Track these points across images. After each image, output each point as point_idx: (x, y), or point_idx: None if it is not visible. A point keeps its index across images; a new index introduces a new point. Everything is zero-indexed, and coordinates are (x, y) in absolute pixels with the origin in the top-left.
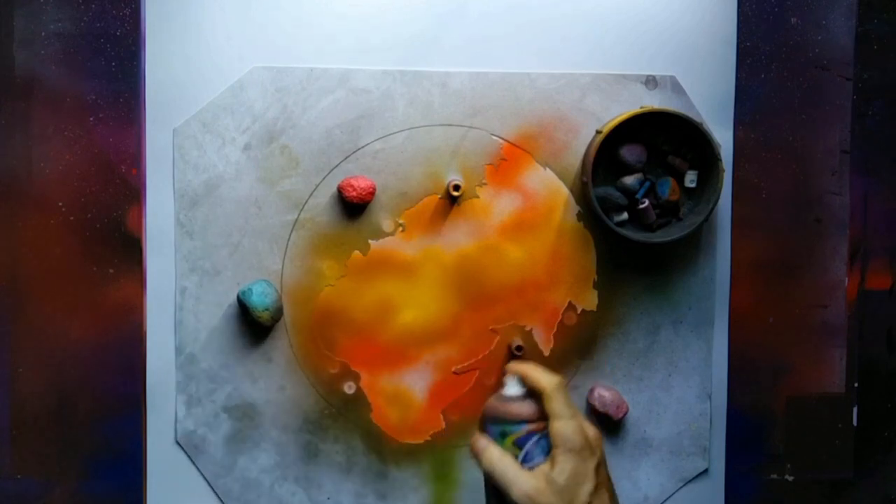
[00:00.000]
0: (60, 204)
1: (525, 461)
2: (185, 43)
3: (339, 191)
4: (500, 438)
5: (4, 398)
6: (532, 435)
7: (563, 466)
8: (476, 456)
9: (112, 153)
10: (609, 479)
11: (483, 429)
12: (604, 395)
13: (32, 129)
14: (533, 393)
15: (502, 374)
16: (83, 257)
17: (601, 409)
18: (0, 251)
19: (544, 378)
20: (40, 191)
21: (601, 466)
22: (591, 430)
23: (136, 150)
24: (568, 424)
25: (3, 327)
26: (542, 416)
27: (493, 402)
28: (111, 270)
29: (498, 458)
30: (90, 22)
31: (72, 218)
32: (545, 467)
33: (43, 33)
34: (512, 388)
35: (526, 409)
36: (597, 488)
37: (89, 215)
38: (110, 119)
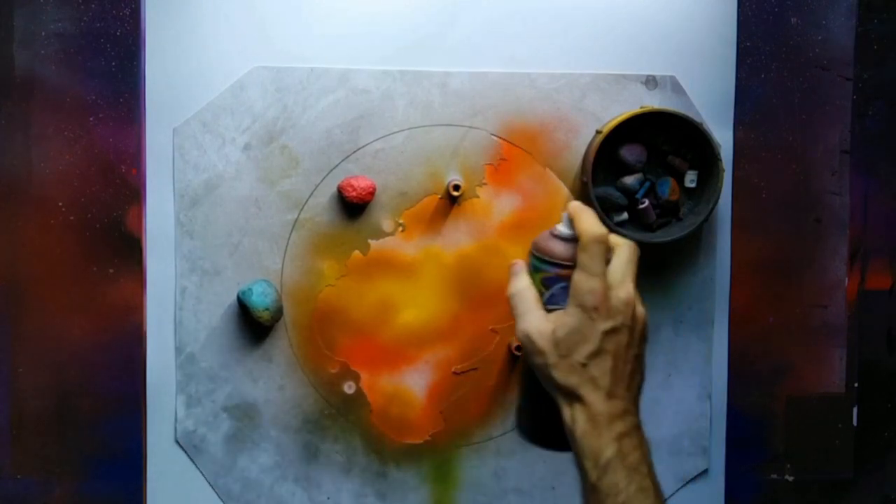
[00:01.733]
0: (60, 204)
1: (548, 302)
2: (185, 43)
3: (339, 191)
4: (534, 271)
5: (4, 398)
6: (560, 279)
7: (567, 320)
8: (509, 277)
9: (112, 153)
10: (632, 357)
11: (529, 255)
12: None
13: (32, 129)
14: None
15: (563, 209)
16: (83, 257)
17: None
18: (0, 251)
19: (586, 225)
20: (40, 191)
21: (616, 335)
22: (621, 296)
23: (136, 150)
24: (587, 280)
25: (3, 327)
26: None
27: (544, 234)
28: (111, 270)
29: (521, 287)
30: (90, 22)
31: (72, 218)
32: (556, 315)
33: (43, 33)
34: (564, 226)
35: (564, 251)
36: (598, 353)
37: (89, 215)
38: (110, 119)
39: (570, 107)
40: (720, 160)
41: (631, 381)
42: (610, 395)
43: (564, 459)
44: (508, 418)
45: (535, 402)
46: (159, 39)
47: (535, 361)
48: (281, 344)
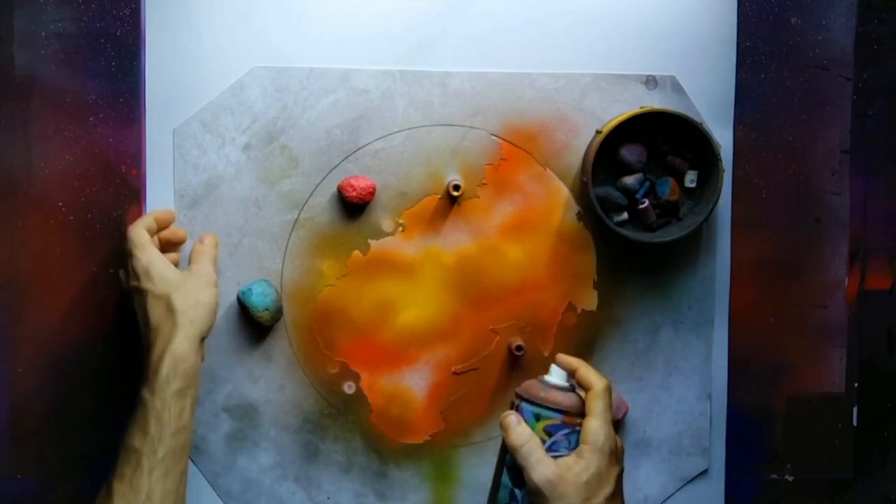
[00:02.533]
0: (60, 204)
1: (550, 449)
2: (185, 43)
3: (339, 191)
4: (533, 420)
5: (4, 398)
6: (565, 426)
7: (589, 465)
8: (504, 429)
9: (112, 153)
10: (623, 494)
11: (516, 406)
12: None
13: (32, 129)
14: (574, 388)
15: (552, 361)
16: (83, 257)
17: None
18: (0, 251)
19: (595, 377)
20: (40, 191)
21: (621, 478)
22: (619, 442)
23: (136, 150)
24: (604, 427)
25: (3, 327)
26: (580, 413)
27: (534, 384)
28: (111, 270)
29: (527, 437)
30: (90, 22)
31: (72, 218)
32: (570, 460)
33: (43, 33)
34: (557, 377)
35: (568, 400)
36: (613, 496)
37: (89, 215)
38: (110, 119)
39: (570, 107)
40: (720, 160)
41: None
42: None
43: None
44: None
45: None
46: (159, 39)
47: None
48: (281, 344)
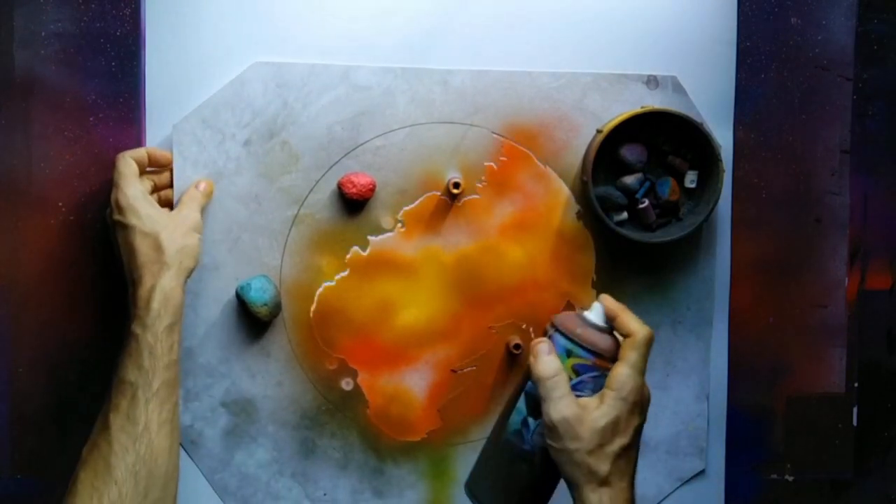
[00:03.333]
0: (60, 204)
1: (575, 388)
2: (185, 40)
3: (339, 187)
4: (564, 355)
5: (4, 398)
6: (595, 369)
7: (610, 410)
8: (534, 356)
9: (112, 153)
10: (638, 448)
11: (549, 335)
12: None
13: (32, 129)
14: (613, 331)
15: (596, 298)
16: (83, 257)
17: None
18: (0, 251)
19: (637, 325)
20: (40, 191)
21: (640, 431)
22: (647, 393)
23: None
24: (633, 375)
25: (3, 327)
26: (613, 358)
27: (572, 317)
28: (111, 270)
29: (554, 370)
30: (90, 22)
31: (72, 218)
32: (592, 402)
33: (43, 33)
34: (596, 317)
35: (604, 342)
36: (629, 448)
37: (89, 215)
38: (110, 119)
39: (570, 106)
40: (720, 160)
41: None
42: (630, 483)
43: None
44: None
45: (501, 472)
46: (159, 39)
47: (566, 445)
48: (279, 340)
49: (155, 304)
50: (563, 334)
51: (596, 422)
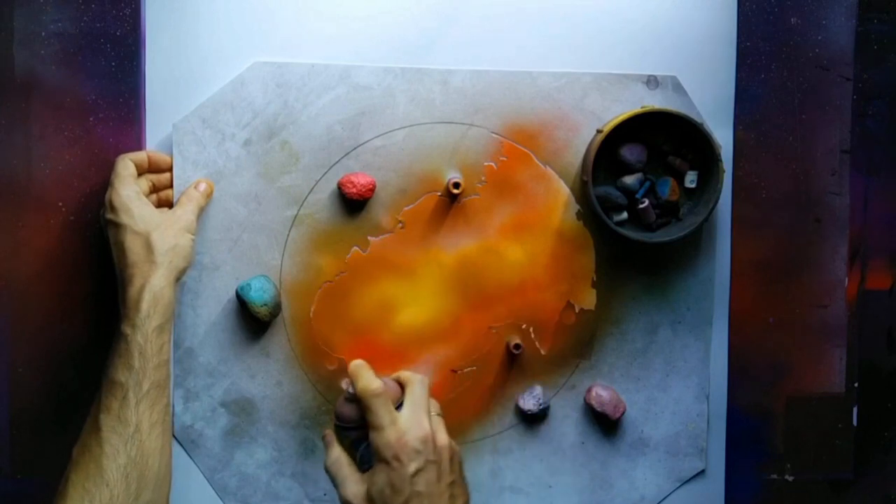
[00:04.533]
0: (60, 204)
1: (361, 463)
2: (185, 41)
3: (339, 187)
4: (342, 438)
5: (4, 398)
6: (363, 440)
7: (376, 479)
8: (325, 449)
9: (112, 153)
10: (446, 486)
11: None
12: (601, 394)
13: (32, 129)
14: None
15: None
16: (83, 257)
17: (599, 409)
18: (0, 251)
19: (362, 384)
20: (40, 191)
21: (424, 474)
22: (418, 436)
23: (136, 150)
24: (379, 434)
25: (3, 327)
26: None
27: (339, 399)
28: (111, 270)
29: (334, 458)
30: (90, 22)
31: (72, 218)
32: (370, 474)
33: (43, 33)
34: (349, 388)
35: (355, 413)
36: (413, 498)
37: (89, 215)
38: (110, 119)
39: (570, 106)
40: (720, 160)
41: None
42: None
43: (562, 458)
44: (506, 416)
45: None
46: (159, 39)
47: None
48: (279, 340)
49: (144, 304)
50: (333, 420)
51: (369, 492)
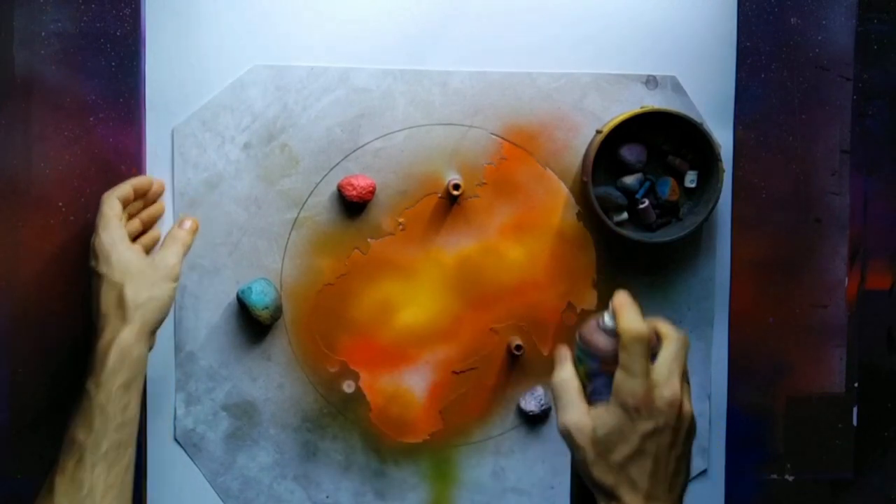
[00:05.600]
0: (60, 204)
1: (592, 395)
2: (185, 42)
3: (339, 189)
4: (579, 362)
5: (4, 398)
6: (604, 374)
7: (607, 419)
8: (554, 363)
9: (112, 153)
10: (675, 458)
11: (575, 345)
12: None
13: (32, 129)
14: None
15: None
16: (83, 257)
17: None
18: (0, 251)
19: (627, 323)
20: (40, 191)
21: (658, 436)
22: (665, 396)
23: (136, 150)
24: (627, 380)
25: (3, 327)
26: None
27: (590, 322)
28: None
29: (564, 378)
30: (90, 22)
31: (72, 218)
32: (600, 410)
33: (43, 33)
34: (608, 318)
35: (608, 345)
36: (638, 455)
37: (89, 215)
38: (110, 119)
39: (570, 106)
40: (720, 160)
41: (674, 481)
42: (648, 496)
43: (563, 459)
44: (508, 417)
45: (581, 494)
46: (159, 39)
47: (575, 457)
48: (280, 343)
49: (111, 360)
50: (578, 340)
51: (594, 431)
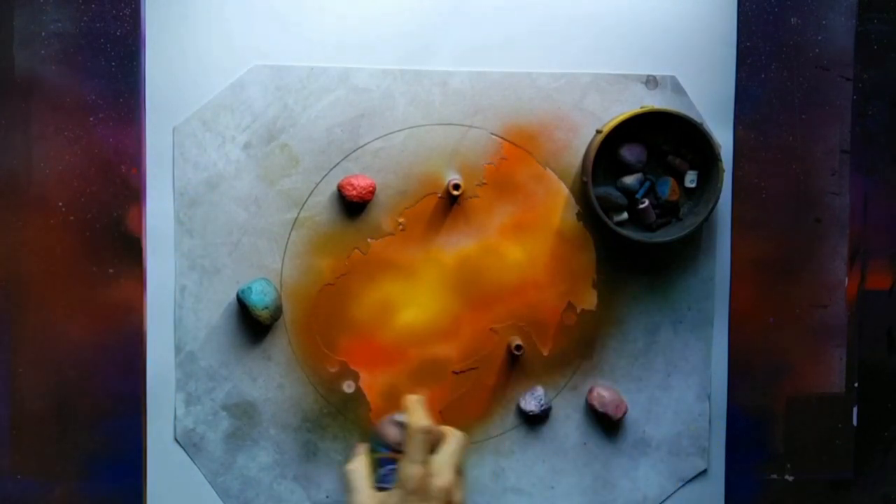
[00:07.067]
0: (60, 204)
1: (379, 481)
2: (185, 42)
3: (339, 189)
4: (371, 452)
5: (4, 398)
6: (391, 462)
7: (389, 500)
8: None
9: (112, 153)
10: None
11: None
12: (603, 394)
13: (32, 129)
14: None
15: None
16: (83, 257)
17: (600, 409)
18: (0, 251)
19: (414, 417)
20: (40, 191)
21: None
22: (437, 483)
23: (136, 150)
24: (409, 466)
25: (3, 327)
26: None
27: (386, 418)
28: (111, 270)
29: (356, 467)
30: (90, 22)
31: (72, 218)
32: (385, 495)
33: (43, 33)
34: (401, 415)
35: (396, 436)
36: None
37: (89, 215)
38: (110, 119)
39: (570, 106)
40: (720, 160)
41: None
42: None
43: (564, 459)
44: (507, 417)
45: None
46: (159, 39)
47: None
48: (280, 343)
49: None
50: (371, 435)
51: None
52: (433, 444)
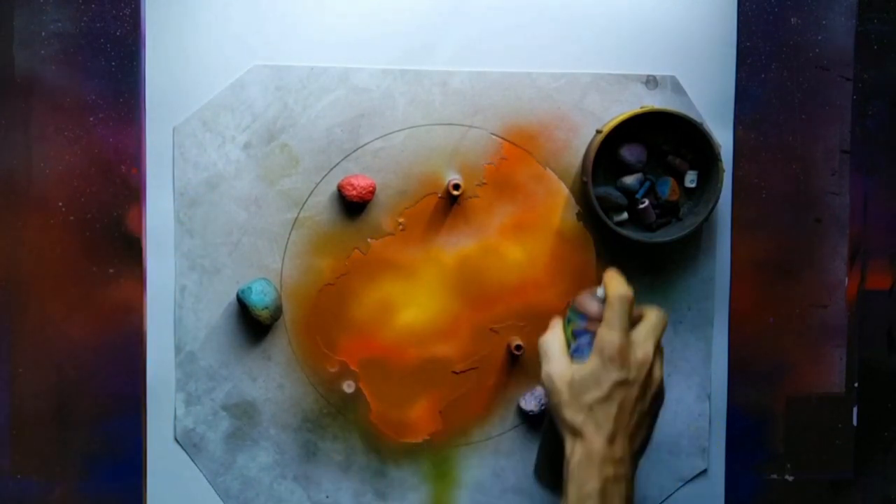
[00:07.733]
0: (60, 204)
1: (575, 352)
2: (185, 42)
3: (339, 190)
4: (567, 323)
5: (4, 398)
6: (588, 332)
7: (586, 366)
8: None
9: (112, 153)
10: (639, 412)
11: (567, 310)
12: None
13: (32, 129)
14: None
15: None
16: (83, 257)
17: None
18: (0, 251)
19: (614, 285)
20: (40, 191)
21: (626, 388)
22: (638, 354)
23: (136, 150)
24: (608, 332)
25: (3, 327)
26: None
27: (584, 292)
28: (111, 270)
29: (551, 336)
30: (90, 22)
31: (72, 218)
32: (579, 362)
33: (43, 33)
34: (599, 291)
35: (596, 308)
36: (606, 399)
37: (89, 215)
38: (110, 119)
39: (570, 106)
40: (720, 160)
41: (634, 433)
42: (610, 439)
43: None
44: (508, 417)
45: (554, 448)
46: (159, 39)
47: (551, 401)
48: (280, 343)
49: None
50: (570, 306)
51: (572, 376)
52: (633, 319)
